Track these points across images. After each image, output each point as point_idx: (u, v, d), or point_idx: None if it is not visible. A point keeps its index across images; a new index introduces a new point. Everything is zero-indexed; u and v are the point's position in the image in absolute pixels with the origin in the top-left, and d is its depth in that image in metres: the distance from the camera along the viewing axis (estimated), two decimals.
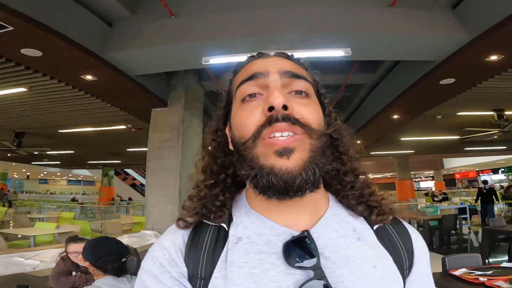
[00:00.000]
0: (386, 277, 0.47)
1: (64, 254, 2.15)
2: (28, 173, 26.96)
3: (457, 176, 30.87)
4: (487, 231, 5.24)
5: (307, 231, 0.47)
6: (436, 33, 4.07)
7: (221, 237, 0.49)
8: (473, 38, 3.95)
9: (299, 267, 0.44)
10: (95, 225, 7.58)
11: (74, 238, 2.23)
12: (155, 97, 5.62)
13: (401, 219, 0.57)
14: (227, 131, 0.57)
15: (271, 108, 0.44)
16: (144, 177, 26.54)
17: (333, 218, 0.52)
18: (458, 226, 6.65)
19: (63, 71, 4.39)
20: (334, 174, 0.56)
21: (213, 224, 0.51)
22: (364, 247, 0.49)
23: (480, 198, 9.58)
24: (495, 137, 8.39)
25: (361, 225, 0.53)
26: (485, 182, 9.89)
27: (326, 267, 0.45)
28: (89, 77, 4.55)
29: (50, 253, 3.54)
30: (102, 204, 17.35)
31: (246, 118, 0.47)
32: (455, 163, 25.16)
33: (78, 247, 2.09)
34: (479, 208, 9.88)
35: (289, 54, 0.57)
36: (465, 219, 7.87)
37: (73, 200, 21.41)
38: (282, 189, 0.43)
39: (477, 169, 28.15)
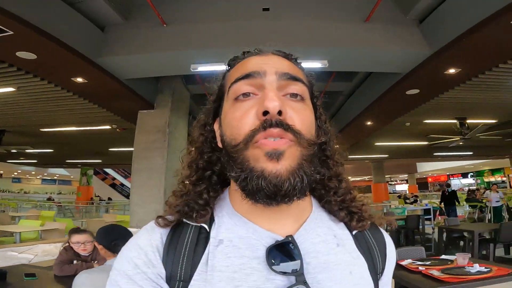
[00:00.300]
0: (361, 283, 0.49)
1: (67, 244, 2.39)
2: (1, 172, 25.98)
3: (430, 179, 32.19)
4: (442, 230, 5.80)
5: (291, 236, 0.47)
6: (403, 47, 4.47)
7: (202, 238, 0.48)
8: (434, 53, 4.37)
9: (282, 272, 0.44)
10: (78, 224, 7.64)
11: (77, 230, 2.48)
12: (142, 99, 5.80)
13: (377, 225, 0.58)
14: (215, 127, 0.56)
15: (265, 112, 0.44)
16: (124, 177, 26.27)
17: (316, 222, 0.52)
18: (421, 226, 7.20)
19: (55, 73, 4.54)
20: (319, 179, 0.54)
21: (194, 224, 0.49)
22: (343, 253, 0.50)
23: (444, 200, 10.38)
24: (461, 143, 9.10)
25: (341, 231, 0.53)
26: (448, 185, 10.66)
27: (307, 273, 0.45)
28: (79, 79, 4.72)
29: (40, 248, 3.71)
30: (81, 203, 17.09)
31: (239, 120, 0.46)
32: (427, 167, 26.36)
33: (81, 237, 2.35)
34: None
35: (287, 53, 0.55)
36: (429, 219, 8.49)
37: (49, 199, 20.89)
38: (271, 193, 0.42)
39: (448, 173, 29.58)
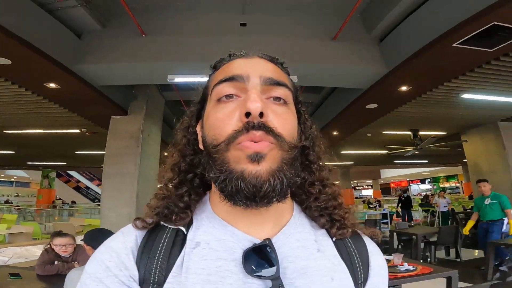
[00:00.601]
0: None
1: (48, 246, 2.54)
2: None
3: (392, 185, 33.97)
4: (392, 233, 6.34)
5: (268, 239, 0.46)
6: (364, 64, 4.81)
7: (179, 241, 0.48)
8: (389, 71, 4.77)
9: (258, 276, 0.43)
10: (42, 228, 7.46)
11: (59, 233, 2.62)
12: (115, 105, 5.82)
13: (360, 233, 0.57)
14: (198, 129, 0.56)
15: (248, 114, 0.44)
16: (90, 180, 25.31)
17: (296, 227, 0.51)
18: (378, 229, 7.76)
19: (28, 78, 4.51)
20: (300, 183, 0.54)
21: (171, 226, 0.49)
22: (323, 258, 0.49)
23: (400, 204, 11.30)
24: (416, 152, 9.93)
25: (321, 237, 0.53)
26: (404, 191, 11.61)
27: (284, 278, 0.44)
28: (52, 85, 4.70)
29: (11, 250, 3.74)
30: (42, 207, 16.33)
31: (222, 121, 0.46)
32: (390, 174, 27.85)
33: (63, 240, 2.52)
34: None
35: (273, 56, 0.55)
36: (386, 223, 9.19)
37: (7, 202, 19.69)
38: (250, 194, 0.42)
39: (408, 179, 31.44)
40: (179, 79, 4.50)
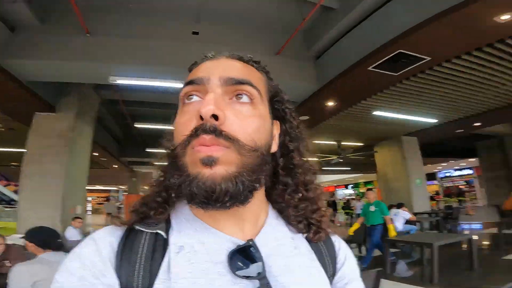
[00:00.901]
0: (320, 284, 0.50)
1: None
2: None
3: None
4: None
5: (252, 240, 0.46)
6: (301, 80, 5.32)
7: (160, 245, 0.46)
8: (319, 88, 5.38)
9: (245, 277, 0.44)
10: None
11: None
12: (42, 101, 5.43)
13: (329, 231, 0.58)
14: None
15: (202, 117, 0.43)
16: None
17: (273, 226, 0.52)
18: None
19: None
20: (281, 190, 0.55)
21: (148, 231, 0.47)
22: (300, 255, 0.51)
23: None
24: (340, 160, 11.07)
25: (296, 235, 0.54)
26: (331, 196, 12.82)
27: (269, 276, 0.45)
28: None
29: None
30: None
31: (182, 125, 0.46)
32: (320, 180, 30.01)
33: None
34: None
35: (243, 55, 0.53)
36: None
37: None
38: (202, 197, 0.42)
39: (335, 185, 34.20)
40: (122, 81, 4.41)
